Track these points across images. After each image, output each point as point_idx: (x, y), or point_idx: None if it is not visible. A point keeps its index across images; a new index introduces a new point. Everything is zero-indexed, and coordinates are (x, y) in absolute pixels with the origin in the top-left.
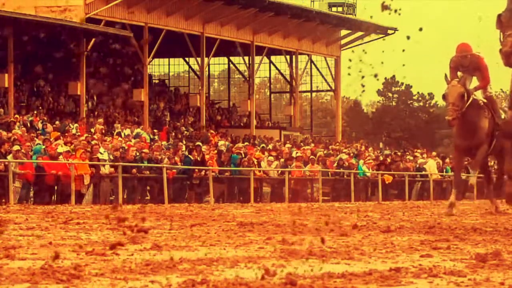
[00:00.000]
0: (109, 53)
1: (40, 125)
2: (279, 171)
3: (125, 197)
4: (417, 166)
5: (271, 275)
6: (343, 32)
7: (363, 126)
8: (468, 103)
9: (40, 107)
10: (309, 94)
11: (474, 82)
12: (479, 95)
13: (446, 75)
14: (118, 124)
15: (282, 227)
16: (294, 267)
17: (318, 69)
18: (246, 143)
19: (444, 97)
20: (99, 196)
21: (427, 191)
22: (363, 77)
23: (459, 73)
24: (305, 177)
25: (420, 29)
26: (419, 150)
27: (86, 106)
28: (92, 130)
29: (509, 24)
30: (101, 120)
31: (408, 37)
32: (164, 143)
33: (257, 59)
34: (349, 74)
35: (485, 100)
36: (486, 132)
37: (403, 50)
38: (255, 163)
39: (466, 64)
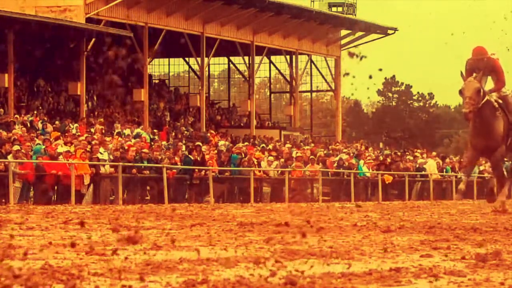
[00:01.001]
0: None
1: (40, 125)
2: (279, 171)
3: (125, 197)
4: (417, 166)
5: (262, 263)
6: (343, 32)
7: (363, 126)
8: (483, 102)
9: (40, 107)
10: (309, 94)
11: (489, 83)
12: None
13: (462, 73)
14: (118, 124)
15: (282, 227)
16: (294, 267)
17: (318, 69)
18: (246, 143)
19: (461, 92)
20: (99, 196)
21: (427, 191)
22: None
23: (474, 75)
24: (305, 177)
25: (370, 77)
26: (419, 150)
27: (86, 106)
28: (92, 130)
29: None
30: (101, 120)
31: (370, 76)
32: (164, 143)
33: (257, 59)
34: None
35: (500, 101)
36: (502, 135)
37: (380, 69)
38: (255, 163)
39: (482, 67)
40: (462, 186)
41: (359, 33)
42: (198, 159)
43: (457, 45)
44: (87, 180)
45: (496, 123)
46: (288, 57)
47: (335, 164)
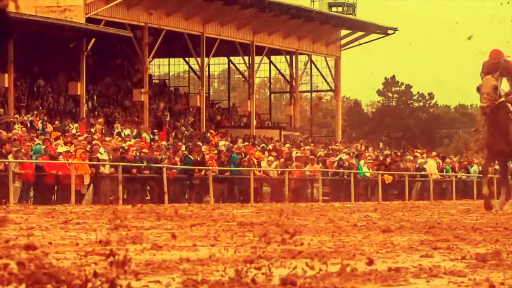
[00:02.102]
0: (109, 53)
1: (40, 125)
2: (279, 171)
3: (125, 197)
4: (417, 166)
5: (261, 263)
6: (343, 32)
7: (363, 126)
8: (498, 102)
9: (40, 107)
10: (309, 94)
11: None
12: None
13: (481, 73)
14: (118, 124)
15: (282, 227)
16: (294, 267)
17: (318, 69)
18: (246, 143)
19: (478, 89)
20: (99, 196)
21: (427, 191)
22: None
23: (490, 75)
24: (305, 177)
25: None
26: (419, 150)
27: (86, 106)
28: (92, 130)
29: None
30: (101, 120)
31: None
32: (164, 143)
33: (257, 59)
34: None
35: None
36: None
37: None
38: (255, 163)
39: (499, 69)
40: (485, 190)
41: (359, 33)
42: (198, 159)
43: (457, 44)
44: (87, 180)
45: (511, 126)
46: (288, 57)
47: (335, 164)
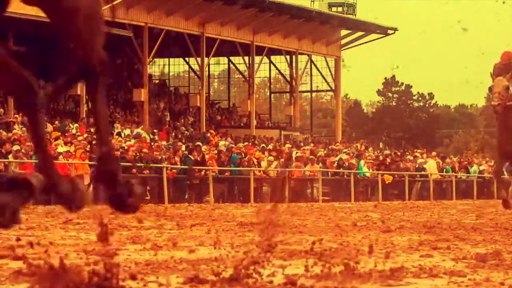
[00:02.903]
0: (109, 53)
1: None
2: (279, 171)
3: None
4: (417, 166)
5: (261, 263)
6: (343, 32)
7: (363, 126)
8: (509, 103)
9: None
10: (309, 94)
11: None
12: None
13: (491, 73)
14: (118, 124)
15: (282, 227)
16: (294, 267)
17: (318, 69)
18: (246, 143)
19: (490, 89)
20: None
21: (427, 191)
22: None
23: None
24: (305, 177)
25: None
26: (419, 150)
27: (86, 106)
28: (92, 130)
29: None
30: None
31: None
32: (164, 143)
33: (257, 59)
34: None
35: None
36: None
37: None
38: (255, 163)
39: (510, 71)
40: (502, 192)
41: (359, 33)
42: (198, 159)
43: (458, 44)
44: (87, 180)
45: None
46: (288, 57)
47: (335, 164)
